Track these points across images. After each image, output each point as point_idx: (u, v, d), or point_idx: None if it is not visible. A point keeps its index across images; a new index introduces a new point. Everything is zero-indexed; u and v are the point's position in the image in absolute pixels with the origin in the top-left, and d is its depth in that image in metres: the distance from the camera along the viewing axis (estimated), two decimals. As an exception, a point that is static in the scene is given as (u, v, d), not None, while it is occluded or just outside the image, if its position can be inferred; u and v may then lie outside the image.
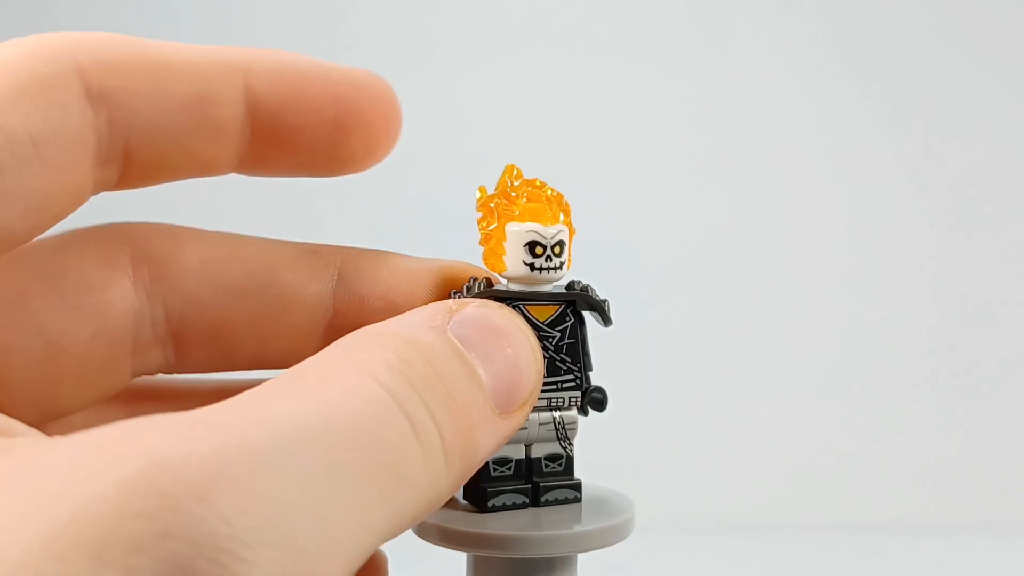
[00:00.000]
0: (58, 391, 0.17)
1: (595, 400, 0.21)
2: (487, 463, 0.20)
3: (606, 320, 0.21)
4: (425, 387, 0.14)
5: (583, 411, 0.21)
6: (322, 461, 0.12)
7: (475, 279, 0.20)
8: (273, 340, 0.19)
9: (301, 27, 0.76)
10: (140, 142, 0.16)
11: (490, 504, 0.20)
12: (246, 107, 0.17)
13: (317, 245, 0.19)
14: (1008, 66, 0.73)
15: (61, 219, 0.16)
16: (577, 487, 0.21)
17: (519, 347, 0.17)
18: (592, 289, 0.21)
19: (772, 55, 0.74)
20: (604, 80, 0.74)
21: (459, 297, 0.19)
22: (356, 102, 0.17)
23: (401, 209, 0.70)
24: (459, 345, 0.16)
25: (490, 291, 0.19)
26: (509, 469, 0.20)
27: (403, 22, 0.75)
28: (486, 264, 0.20)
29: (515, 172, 0.20)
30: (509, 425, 0.17)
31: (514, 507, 0.20)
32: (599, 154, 0.72)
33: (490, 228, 0.20)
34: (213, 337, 0.18)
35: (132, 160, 0.16)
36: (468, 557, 0.20)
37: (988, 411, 0.71)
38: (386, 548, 0.18)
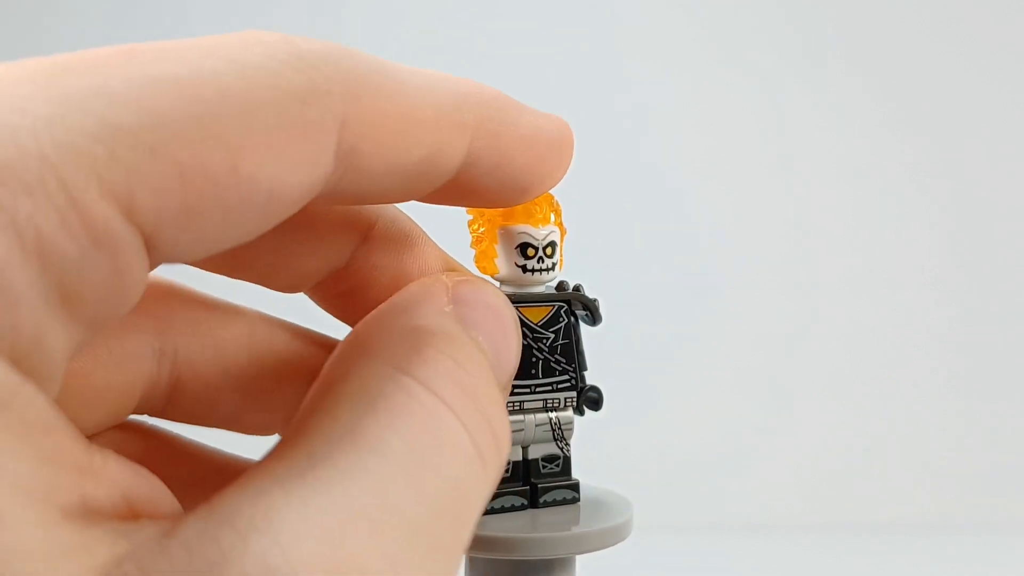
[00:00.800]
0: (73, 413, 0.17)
1: (591, 400, 0.21)
2: None
3: (597, 319, 0.21)
4: (484, 397, 0.14)
5: (579, 411, 0.21)
6: (413, 540, 0.12)
7: None
8: (253, 412, 0.19)
9: (300, 25, 0.76)
10: (354, 196, 0.15)
11: (488, 506, 0.20)
12: (460, 166, 0.15)
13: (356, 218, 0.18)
14: (1011, 65, 0.73)
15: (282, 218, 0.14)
16: (575, 487, 0.21)
17: (510, 326, 0.17)
18: (582, 288, 0.20)
19: (774, 54, 0.74)
20: (604, 80, 0.74)
21: None
22: (550, 168, 0.17)
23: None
24: (474, 332, 0.16)
25: None
26: (507, 471, 0.20)
27: (404, 20, 0.75)
28: (478, 266, 0.20)
29: None
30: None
31: (512, 509, 0.20)
32: (599, 154, 0.72)
33: (481, 230, 0.20)
34: (200, 400, 0.18)
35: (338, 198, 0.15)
36: (466, 559, 0.20)
37: (988, 411, 0.71)
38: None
